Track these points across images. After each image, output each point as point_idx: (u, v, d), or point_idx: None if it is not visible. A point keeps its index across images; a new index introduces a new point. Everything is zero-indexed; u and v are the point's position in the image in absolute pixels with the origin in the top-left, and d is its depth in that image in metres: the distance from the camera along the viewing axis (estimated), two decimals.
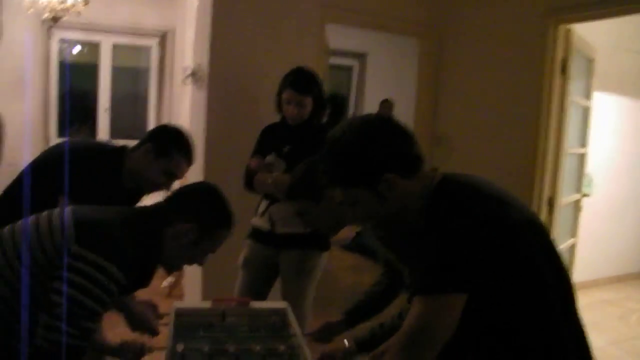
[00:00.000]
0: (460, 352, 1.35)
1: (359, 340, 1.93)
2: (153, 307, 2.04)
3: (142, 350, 1.86)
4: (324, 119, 2.77)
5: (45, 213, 1.56)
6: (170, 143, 2.10)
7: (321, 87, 2.70)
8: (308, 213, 1.95)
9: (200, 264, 1.70)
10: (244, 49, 3.36)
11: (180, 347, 1.70)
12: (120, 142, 2.41)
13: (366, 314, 2.05)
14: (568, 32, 3.48)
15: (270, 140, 2.73)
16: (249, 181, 2.67)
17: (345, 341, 1.94)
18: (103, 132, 6.65)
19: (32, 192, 1.76)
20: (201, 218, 1.61)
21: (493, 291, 1.24)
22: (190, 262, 1.69)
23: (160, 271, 3.75)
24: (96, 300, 1.39)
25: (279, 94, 2.67)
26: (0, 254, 1.48)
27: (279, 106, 2.69)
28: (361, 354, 1.92)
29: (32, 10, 5.09)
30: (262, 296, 2.74)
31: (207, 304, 2.05)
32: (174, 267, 1.72)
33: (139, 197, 2.27)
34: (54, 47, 6.27)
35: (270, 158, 2.65)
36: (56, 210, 1.56)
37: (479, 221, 1.23)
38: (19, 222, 1.56)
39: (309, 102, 2.62)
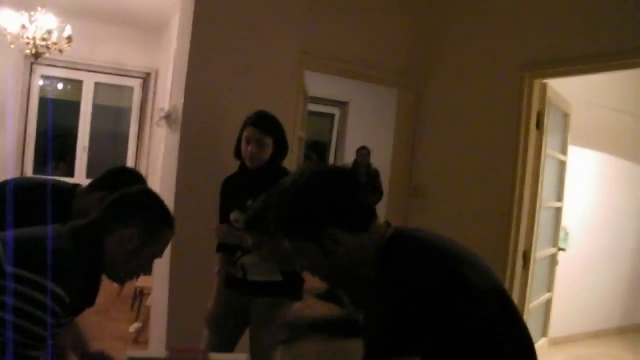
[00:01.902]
0: None
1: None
2: (105, 357, 1.93)
3: None
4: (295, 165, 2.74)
5: None
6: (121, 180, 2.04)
7: (283, 130, 2.64)
8: (264, 247, 1.90)
9: (148, 271, 1.62)
10: (219, 92, 3.35)
11: None
12: None
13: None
14: (544, 87, 3.53)
15: (232, 193, 2.67)
16: (224, 248, 2.66)
17: None
18: (80, 170, 6.58)
19: None
20: (142, 221, 1.58)
21: (446, 354, 1.17)
22: (138, 270, 1.63)
23: (127, 316, 3.61)
24: (37, 323, 1.30)
25: (239, 137, 2.61)
26: None
27: (238, 152, 2.62)
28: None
29: (14, 45, 5.09)
30: (231, 344, 2.66)
31: (162, 354, 1.96)
32: (121, 278, 1.63)
33: None
34: (36, 83, 6.26)
35: (234, 215, 2.59)
36: None
37: (430, 279, 1.17)
38: None
39: (269, 143, 2.55)
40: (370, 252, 1.27)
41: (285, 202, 1.31)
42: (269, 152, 2.56)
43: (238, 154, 2.62)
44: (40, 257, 1.35)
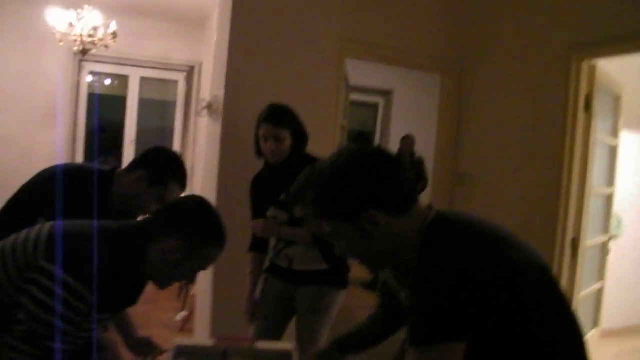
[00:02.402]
0: None
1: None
2: (150, 344, 2.00)
3: None
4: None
5: (28, 229, 1.52)
6: (165, 171, 2.07)
7: (299, 120, 2.60)
8: (310, 220, 1.89)
9: (192, 282, 1.63)
10: (260, 82, 3.36)
11: None
12: None
13: (356, 345, 1.90)
14: (593, 68, 3.40)
15: (263, 190, 2.68)
16: (258, 246, 2.70)
17: None
18: (128, 163, 6.73)
19: (20, 214, 1.73)
20: (189, 235, 1.54)
21: (493, 337, 1.14)
22: (180, 280, 1.63)
23: (173, 305, 3.69)
24: (60, 317, 1.34)
25: (256, 134, 2.59)
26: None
27: (258, 149, 2.61)
28: None
29: (62, 43, 5.23)
30: (279, 331, 2.69)
31: (209, 342, 1.99)
32: (162, 284, 1.63)
33: (130, 219, 2.23)
34: (84, 79, 6.43)
35: (270, 212, 2.60)
36: (38, 225, 1.53)
37: (474, 261, 1.14)
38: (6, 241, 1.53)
39: (286, 135, 2.52)
40: (411, 236, 1.25)
41: (322, 183, 1.29)
42: (287, 144, 2.54)
43: (259, 151, 2.61)
44: (74, 257, 1.39)
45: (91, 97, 6.56)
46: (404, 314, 1.40)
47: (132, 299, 1.62)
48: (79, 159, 6.47)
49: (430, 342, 1.13)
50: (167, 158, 2.15)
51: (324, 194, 1.28)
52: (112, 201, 2.06)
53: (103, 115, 6.97)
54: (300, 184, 1.40)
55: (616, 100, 4.10)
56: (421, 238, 1.23)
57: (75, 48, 5.31)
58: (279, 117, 2.54)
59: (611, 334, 4.97)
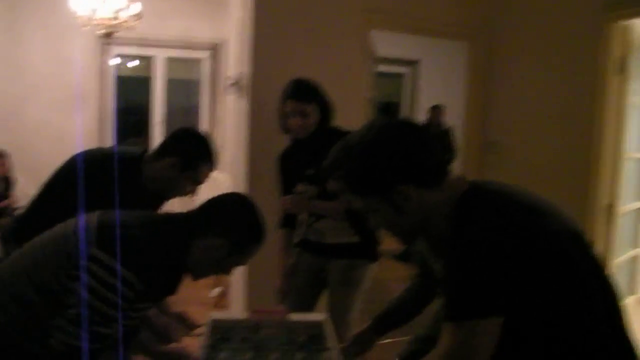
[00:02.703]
0: None
1: (402, 357, 1.88)
2: (183, 317, 2.04)
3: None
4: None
5: (74, 218, 1.57)
6: (196, 155, 2.09)
7: (323, 93, 2.57)
8: (343, 194, 1.89)
9: (228, 274, 1.70)
10: (285, 57, 3.35)
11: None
12: None
13: (396, 321, 1.95)
14: (627, 29, 3.30)
15: (290, 166, 2.67)
16: (288, 222, 2.71)
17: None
18: (157, 143, 6.80)
19: (52, 206, 1.77)
20: (233, 234, 1.61)
21: (530, 309, 1.13)
22: (217, 273, 1.70)
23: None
24: (109, 304, 1.40)
25: (282, 111, 2.57)
26: (31, 259, 1.51)
27: (285, 125, 2.58)
28: None
29: (86, 27, 5.27)
30: (311, 304, 2.72)
31: (244, 315, 2.03)
32: (200, 276, 1.69)
33: (163, 200, 2.27)
34: (110, 62, 6.48)
35: (300, 187, 2.60)
36: (87, 215, 1.57)
37: (509, 233, 1.13)
38: (52, 229, 1.58)
39: (312, 110, 2.50)
40: (444, 208, 1.24)
41: (353, 158, 1.28)
42: (314, 119, 2.52)
43: (285, 127, 2.59)
44: (124, 247, 1.44)
45: (118, 79, 6.62)
46: (439, 285, 1.39)
47: (172, 290, 1.65)
48: (108, 141, 6.55)
49: (468, 318, 1.12)
50: (196, 141, 2.16)
51: (355, 170, 1.28)
52: (144, 184, 2.09)
53: (130, 97, 7.04)
54: (332, 158, 1.39)
55: None
56: (455, 210, 1.22)
57: (99, 32, 5.35)
58: (304, 92, 2.53)
59: None
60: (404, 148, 1.25)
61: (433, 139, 1.31)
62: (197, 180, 2.09)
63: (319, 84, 2.58)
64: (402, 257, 6.19)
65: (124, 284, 1.41)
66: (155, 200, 2.20)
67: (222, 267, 1.67)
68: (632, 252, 4.09)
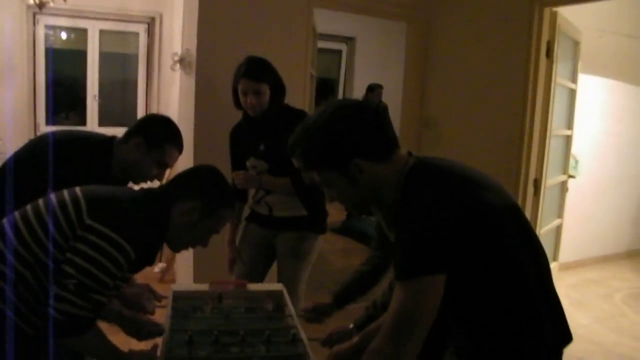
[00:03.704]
0: (443, 330, 1.41)
1: (358, 324, 1.98)
2: (150, 290, 2.07)
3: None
4: (308, 103, 2.77)
5: (55, 193, 1.59)
6: (161, 134, 2.10)
7: (276, 72, 2.63)
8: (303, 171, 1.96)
9: (204, 244, 1.74)
10: (231, 33, 3.37)
11: (184, 328, 1.73)
12: (109, 130, 2.41)
13: (353, 294, 2.09)
14: (554, 15, 3.51)
15: (242, 141, 2.72)
16: (239, 195, 2.74)
17: (351, 325, 2.00)
18: (92, 119, 6.63)
19: (18, 184, 1.76)
20: (205, 196, 1.68)
21: (468, 269, 1.28)
22: (195, 243, 1.74)
23: None
24: (106, 273, 1.45)
25: (234, 87, 2.61)
26: (27, 231, 1.51)
27: (237, 102, 2.63)
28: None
29: None
30: (260, 276, 2.78)
31: (204, 287, 2.08)
32: (179, 247, 1.75)
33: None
34: (40, 33, 6.22)
35: (250, 162, 2.66)
36: (66, 190, 1.60)
37: (451, 202, 1.26)
38: (39, 201, 1.59)
39: (265, 89, 2.55)
40: (394, 180, 1.36)
41: (311, 137, 1.38)
42: (267, 97, 2.57)
43: (237, 103, 2.63)
44: (118, 216, 1.50)
45: (49, 52, 6.36)
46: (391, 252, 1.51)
47: (151, 259, 1.69)
48: (41, 114, 6.33)
49: (414, 275, 1.25)
50: (161, 122, 2.18)
51: (314, 147, 1.38)
52: (112, 170, 2.09)
53: (63, 70, 6.79)
54: (293, 139, 1.47)
55: (575, 46, 4.25)
56: (403, 181, 1.34)
57: (32, 1, 5.14)
58: (258, 71, 2.57)
59: (568, 267, 5.31)
60: (358, 125, 1.36)
61: (382, 116, 1.42)
62: (164, 162, 2.09)
63: (271, 63, 2.62)
64: (341, 230, 6.40)
65: (120, 252, 1.46)
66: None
67: (198, 234, 1.70)
68: (556, 222, 4.39)
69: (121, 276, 1.54)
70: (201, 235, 1.72)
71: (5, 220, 1.57)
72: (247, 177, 2.62)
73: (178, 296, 1.98)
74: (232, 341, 1.67)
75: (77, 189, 1.59)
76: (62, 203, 1.53)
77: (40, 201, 1.59)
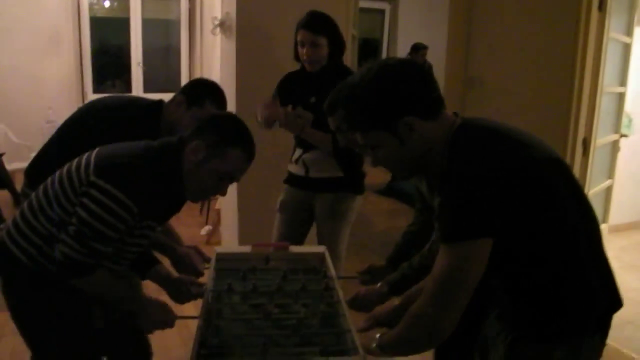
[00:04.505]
0: (487, 293, 1.39)
1: (391, 283, 1.95)
2: (199, 251, 2.11)
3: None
4: (350, 64, 2.73)
5: (79, 156, 1.68)
6: (202, 92, 2.12)
7: (336, 28, 2.62)
8: (342, 132, 1.95)
9: (220, 191, 1.71)
10: None
11: (218, 287, 1.76)
12: (154, 96, 2.44)
13: (407, 255, 2.04)
14: None
15: (293, 90, 2.70)
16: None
17: (379, 284, 1.97)
18: (137, 86, 6.74)
19: (71, 148, 1.81)
20: (209, 134, 1.65)
21: (517, 231, 1.24)
22: (206, 188, 1.70)
23: (197, 220, 3.80)
24: (105, 224, 1.52)
25: (295, 40, 2.62)
26: (51, 187, 1.64)
27: (297, 55, 2.64)
28: (394, 296, 1.94)
29: None
30: (299, 238, 2.80)
31: (247, 249, 2.11)
32: (193, 194, 1.72)
33: None
34: (85, 2, 6.31)
35: (298, 110, 2.62)
36: (86, 153, 1.68)
37: (499, 162, 1.23)
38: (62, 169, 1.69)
39: (323, 42, 2.55)
40: (441, 140, 1.32)
41: (358, 95, 1.34)
42: (324, 51, 2.57)
43: (297, 56, 2.65)
44: (119, 172, 1.56)
45: (93, 21, 6.47)
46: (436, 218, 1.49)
47: (176, 208, 1.75)
48: (88, 82, 6.47)
49: (460, 239, 1.22)
50: (204, 82, 2.23)
51: (361, 107, 1.34)
52: (161, 133, 2.11)
53: (107, 38, 6.90)
54: (333, 98, 1.43)
55: None
56: (449, 142, 1.31)
57: None
58: (317, 23, 2.57)
59: (618, 229, 5.16)
60: (406, 82, 1.32)
61: (429, 74, 1.38)
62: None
63: (332, 18, 2.61)
64: (386, 192, 6.38)
65: (120, 205, 1.52)
66: None
67: (206, 176, 1.65)
68: (606, 183, 4.26)
69: (136, 229, 1.61)
70: (209, 177, 1.65)
71: (41, 186, 1.69)
72: (291, 117, 2.54)
73: (221, 258, 2.01)
74: (272, 302, 1.69)
75: (94, 151, 1.66)
76: (78, 163, 1.63)
77: (67, 165, 1.68)
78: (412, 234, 2.11)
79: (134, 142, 1.69)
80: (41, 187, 1.69)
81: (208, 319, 1.58)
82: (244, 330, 1.54)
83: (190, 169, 1.64)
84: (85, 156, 1.65)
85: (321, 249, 2.16)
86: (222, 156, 1.63)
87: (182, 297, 1.90)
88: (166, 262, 2.02)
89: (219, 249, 2.09)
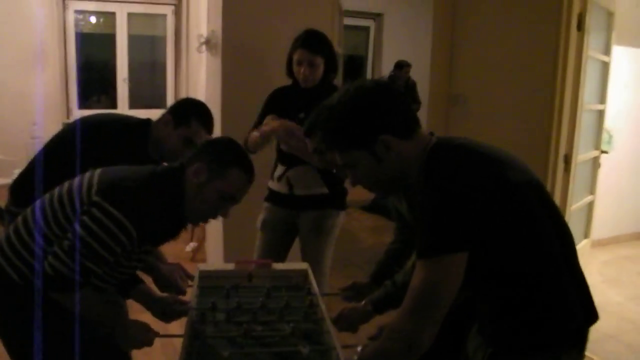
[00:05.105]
0: (468, 308, 1.41)
1: (374, 301, 1.96)
2: (181, 268, 2.10)
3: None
4: (336, 81, 2.77)
5: (79, 176, 1.67)
6: (189, 112, 2.14)
7: (332, 48, 2.67)
8: (322, 152, 1.95)
9: (222, 213, 1.72)
10: (256, 13, 3.37)
11: (202, 305, 1.77)
12: (140, 112, 2.46)
13: (390, 272, 2.06)
14: None
15: (283, 105, 2.71)
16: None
17: (363, 302, 1.98)
18: (122, 102, 6.73)
19: (58, 166, 1.82)
20: (210, 156, 1.67)
21: (491, 246, 1.27)
22: (209, 210, 1.71)
23: (182, 236, 3.76)
24: (101, 244, 1.51)
25: (290, 56, 2.65)
26: (49, 205, 1.63)
27: (290, 70, 2.67)
28: (378, 314, 1.96)
29: None
30: (281, 257, 2.79)
31: (230, 266, 2.12)
32: (195, 217, 1.75)
33: None
34: (70, 18, 6.31)
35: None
36: (88, 172, 1.68)
37: (474, 179, 1.26)
38: (66, 183, 1.68)
39: (320, 62, 2.58)
40: (417, 159, 1.35)
41: (336, 117, 1.38)
42: (321, 71, 2.61)
43: (290, 73, 2.67)
44: (122, 195, 1.56)
45: (79, 36, 6.46)
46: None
47: (173, 233, 1.74)
48: (73, 98, 6.44)
49: (436, 254, 1.25)
50: (191, 102, 2.25)
51: (338, 127, 1.38)
52: (149, 152, 2.14)
53: (93, 54, 6.90)
54: (312, 120, 1.46)
55: (609, 17, 4.13)
56: (425, 160, 1.34)
57: None
58: (315, 43, 2.60)
59: (600, 244, 5.23)
60: (383, 102, 1.36)
61: (404, 94, 1.42)
62: (189, 139, 2.11)
63: (328, 37, 2.65)
64: (371, 208, 6.41)
65: (120, 228, 1.52)
66: None
67: (208, 198, 1.67)
68: (588, 198, 4.32)
69: (131, 253, 1.61)
70: (211, 197, 1.67)
71: (36, 203, 1.67)
72: (287, 128, 2.53)
73: (204, 275, 2.02)
74: (256, 320, 1.70)
75: (97, 171, 1.66)
76: (80, 182, 1.63)
77: (67, 183, 1.67)
78: (395, 250, 2.13)
79: (139, 167, 1.71)
80: (38, 203, 1.67)
81: (192, 338, 1.58)
82: (228, 348, 1.54)
83: (193, 191, 1.66)
84: (87, 175, 1.65)
85: (304, 265, 2.18)
86: (223, 176, 1.66)
87: (166, 316, 1.89)
88: (148, 280, 2.01)
89: (202, 266, 2.11)
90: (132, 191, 1.58)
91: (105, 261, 1.55)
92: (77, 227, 1.52)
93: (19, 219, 1.68)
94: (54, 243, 1.56)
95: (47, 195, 1.68)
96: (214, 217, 1.75)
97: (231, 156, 1.70)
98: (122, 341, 1.71)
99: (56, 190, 1.67)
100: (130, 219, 1.52)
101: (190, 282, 2.05)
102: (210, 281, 1.99)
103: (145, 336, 1.70)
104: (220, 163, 1.66)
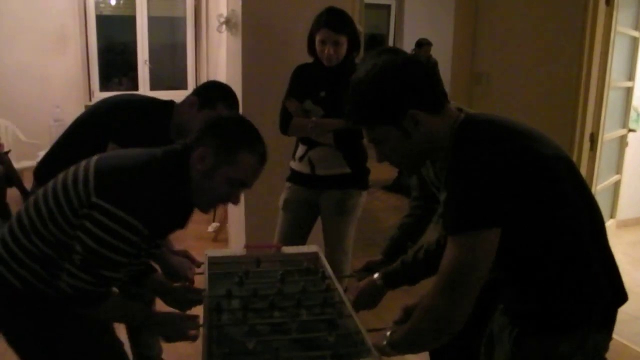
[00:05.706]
0: (495, 284, 1.39)
1: (386, 275, 1.88)
2: (189, 256, 2.05)
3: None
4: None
5: (75, 165, 1.56)
6: (214, 95, 2.11)
7: (355, 26, 2.65)
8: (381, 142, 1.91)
9: (232, 199, 1.60)
10: None
11: (217, 293, 1.73)
12: (161, 93, 2.45)
13: (403, 248, 2.03)
14: None
15: (305, 83, 2.70)
16: (286, 125, 2.69)
17: (376, 275, 1.90)
18: (144, 83, 6.75)
19: (81, 148, 1.79)
20: (219, 140, 1.53)
21: (523, 222, 1.24)
22: (218, 196, 1.59)
23: (205, 217, 3.75)
24: (112, 249, 1.41)
25: (312, 35, 2.62)
26: (44, 204, 1.52)
27: (311, 49, 2.65)
28: (390, 289, 1.90)
29: None
30: (303, 237, 2.80)
31: (240, 251, 2.10)
32: (203, 203, 1.61)
33: None
34: (90, 1, 6.32)
35: (307, 105, 2.66)
36: (84, 162, 1.56)
37: (504, 154, 1.23)
38: (60, 175, 1.58)
39: (344, 41, 2.57)
40: (445, 135, 1.32)
41: (364, 90, 1.34)
42: (344, 49, 2.59)
43: (312, 51, 2.65)
44: (124, 192, 1.45)
45: (100, 19, 6.48)
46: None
47: (181, 223, 1.63)
48: (95, 80, 6.49)
49: (469, 229, 1.22)
50: (217, 84, 2.22)
51: (367, 102, 1.34)
52: (171, 133, 2.11)
53: (113, 36, 6.92)
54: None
55: None
56: (454, 136, 1.31)
57: None
58: (339, 22, 2.57)
59: (627, 224, 5.13)
60: (411, 75, 1.32)
61: (432, 70, 1.38)
62: None
63: (350, 16, 2.62)
64: (392, 188, 6.38)
65: (128, 228, 1.41)
66: None
67: (216, 183, 1.53)
68: (614, 178, 4.24)
69: (143, 248, 1.52)
70: (220, 185, 1.53)
71: (29, 201, 1.58)
72: (299, 107, 2.59)
73: (213, 262, 1.97)
74: (271, 306, 1.66)
75: (93, 160, 1.54)
76: (75, 175, 1.51)
77: (60, 176, 1.56)
78: (408, 225, 2.09)
79: (136, 152, 1.58)
80: (31, 201, 1.56)
81: (211, 327, 1.55)
82: (250, 337, 1.50)
83: (199, 179, 1.53)
84: (82, 167, 1.53)
85: (313, 248, 2.14)
86: (231, 162, 1.52)
87: (181, 305, 1.81)
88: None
89: (210, 252, 2.04)
90: (131, 184, 1.46)
91: (122, 264, 1.46)
92: (83, 236, 1.41)
93: (15, 217, 1.57)
94: (57, 248, 1.48)
95: (40, 192, 1.56)
96: (224, 203, 1.64)
97: (239, 138, 1.55)
98: (162, 333, 1.65)
99: (50, 185, 1.55)
100: (135, 215, 1.41)
101: (198, 269, 2.00)
102: (220, 267, 1.95)
103: (182, 328, 1.60)
104: (229, 147, 1.52)
